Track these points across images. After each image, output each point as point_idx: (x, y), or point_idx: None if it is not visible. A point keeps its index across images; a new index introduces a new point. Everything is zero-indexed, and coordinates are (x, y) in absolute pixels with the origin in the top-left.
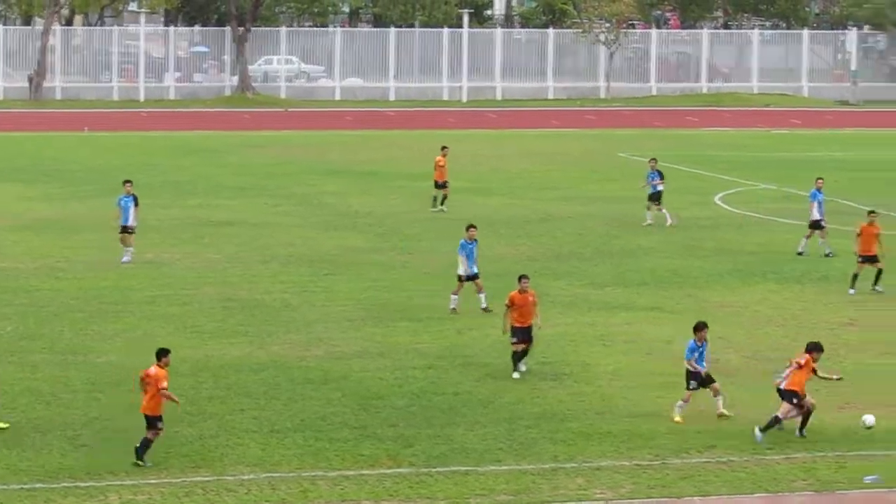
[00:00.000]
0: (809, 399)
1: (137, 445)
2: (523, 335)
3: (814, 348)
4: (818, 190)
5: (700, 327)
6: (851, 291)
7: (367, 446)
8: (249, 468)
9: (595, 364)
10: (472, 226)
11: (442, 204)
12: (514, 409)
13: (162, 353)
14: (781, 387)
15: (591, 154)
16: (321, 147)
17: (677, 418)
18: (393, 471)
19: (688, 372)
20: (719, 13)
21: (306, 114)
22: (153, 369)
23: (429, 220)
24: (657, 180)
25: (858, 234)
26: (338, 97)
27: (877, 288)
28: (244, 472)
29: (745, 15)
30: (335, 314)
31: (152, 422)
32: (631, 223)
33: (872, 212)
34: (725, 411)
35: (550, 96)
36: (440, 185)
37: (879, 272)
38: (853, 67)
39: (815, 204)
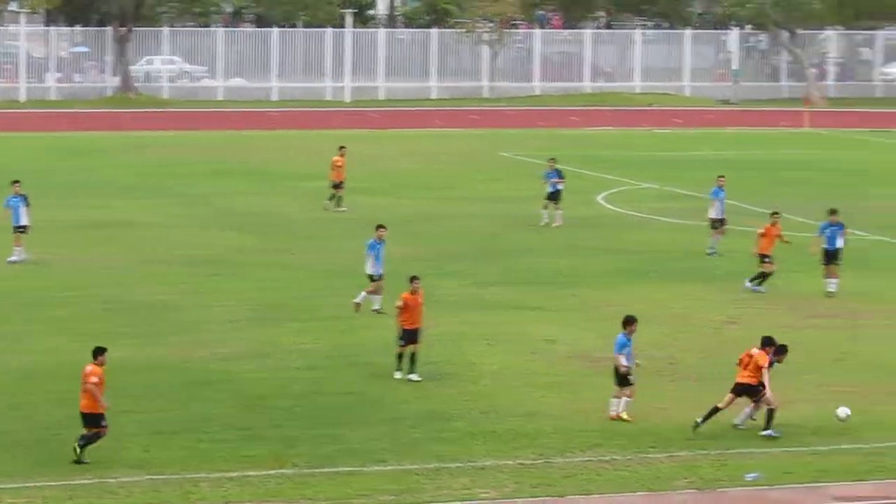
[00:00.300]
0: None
1: (80, 444)
2: (411, 337)
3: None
4: (720, 188)
5: (630, 321)
6: (762, 289)
7: (251, 447)
8: (132, 470)
9: (480, 364)
10: (381, 226)
11: (339, 204)
12: (399, 408)
13: (98, 352)
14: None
15: (475, 154)
16: (206, 148)
17: (625, 416)
18: (277, 472)
19: (616, 367)
20: (602, 13)
21: (190, 114)
22: (89, 367)
23: (316, 220)
24: (556, 179)
25: (762, 235)
26: (221, 97)
27: (754, 286)
28: (126, 474)
29: (628, 15)
30: (220, 315)
31: (94, 420)
32: (515, 222)
33: (776, 213)
34: (624, 415)
35: (434, 96)
36: (337, 185)
37: (764, 274)
38: (735, 67)
39: (717, 202)
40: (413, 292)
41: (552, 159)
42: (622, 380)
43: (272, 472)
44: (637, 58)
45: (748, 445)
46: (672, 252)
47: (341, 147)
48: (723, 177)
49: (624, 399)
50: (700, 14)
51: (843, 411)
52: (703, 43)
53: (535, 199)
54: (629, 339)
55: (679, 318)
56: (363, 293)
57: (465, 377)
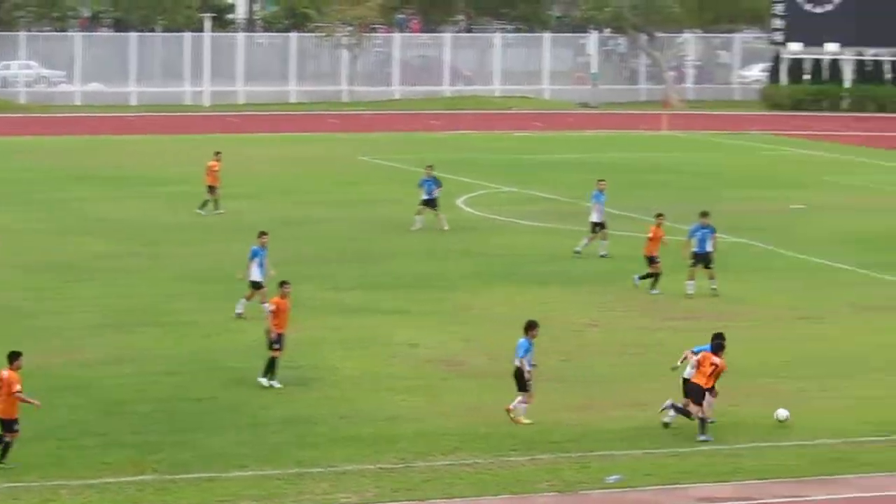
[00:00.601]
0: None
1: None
2: (281, 342)
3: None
4: (600, 192)
5: (532, 325)
6: (656, 291)
7: (111, 453)
8: None
9: (341, 368)
10: (263, 232)
11: (216, 207)
12: (261, 414)
13: (13, 357)
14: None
15: (334, 158)
16: (63, 153)
17: (525, 421)
18: (137, 478)
19: (518, 371)
20: (461, 17)
21: (47, 119)
22: (6, 373)
23: (178, 225)
24: (433, 187)
25: (650, 238)
26: (78, 102)
27: (651, 289)
28: None
29: (487, 18)
30: (78, 321)
31: (8, 425)
32: (375, 226)
33: (660, 214)
34: (522, 419)
35: (293, 100)
36: (212, 189)
37: (656, 276)
38: (594, 70)
39: (597, 206)
40: (283, 296)
41: (429, 166)
42: (523, 384)
43: (132, 478)
44: (496, 61)
45: (609, 448)
46: (532, 255)
47: (217, 152)
48: (603, 181)
49: (522, 405)
50: (559, 18)
51: (782, 413)
52: (562, 46)
53: (394, 202)
54: (531, 344)
55: (541, 321)
56: (243, 300)
57: (327, 382)
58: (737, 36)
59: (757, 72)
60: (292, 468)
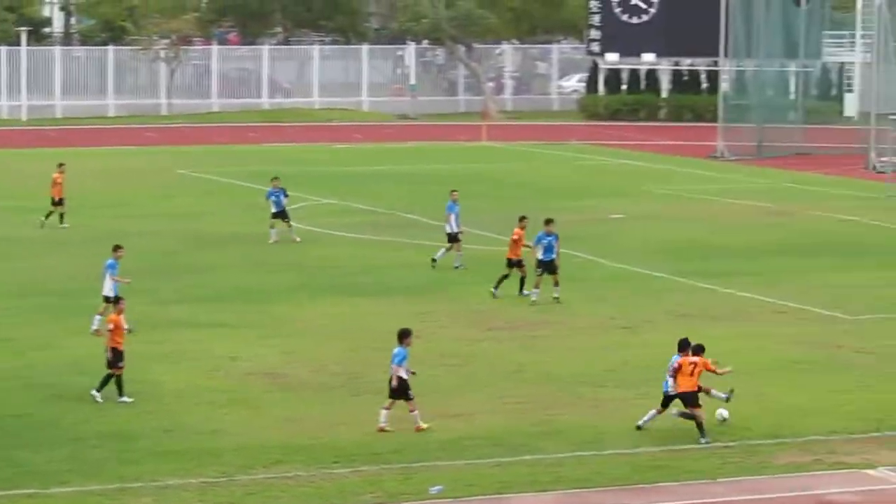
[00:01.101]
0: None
1: None
2: (121, 358)
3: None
4: (454, 202)
5: (406, 334)
6: (532, 294)
7: None
8: None
9: (162, 382)
10: (118, 246)
11: (61, 221)
12: (81, 429)
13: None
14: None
15: (153, 171)
16: None
17: (383, 424)
18: None
19: (399, 380)
20: (279, 29)
21: None
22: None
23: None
24: (282, 197)
25: (514, 240)
26: None
27: (521, 292)
28: None
29: (305, 31)
30: None
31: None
32: (195, 239)
33: (523, 217)
34: (423, 424)
35: (111, 114)
36: (56, 203)
37: (522, 278)
38: (412, 82)
39: (452, 216)
40: (119, 312)
41: (275, 178)
42: (401, 393)
43: None
44: (315, 73)
45: (432, 458)
46: (352, 267)
47: (60, 164)
48: (456, 191)
49: (415, 413)
50: (377, 30)
51: (721, 414)
52: (380, 58)
53: (213, 215)
54: (406, 351)
55: (362, 333)
56: (97, 316)
57: (149, 396)
58: (554, 46)
59: (575, 82)
60: (114, 483)
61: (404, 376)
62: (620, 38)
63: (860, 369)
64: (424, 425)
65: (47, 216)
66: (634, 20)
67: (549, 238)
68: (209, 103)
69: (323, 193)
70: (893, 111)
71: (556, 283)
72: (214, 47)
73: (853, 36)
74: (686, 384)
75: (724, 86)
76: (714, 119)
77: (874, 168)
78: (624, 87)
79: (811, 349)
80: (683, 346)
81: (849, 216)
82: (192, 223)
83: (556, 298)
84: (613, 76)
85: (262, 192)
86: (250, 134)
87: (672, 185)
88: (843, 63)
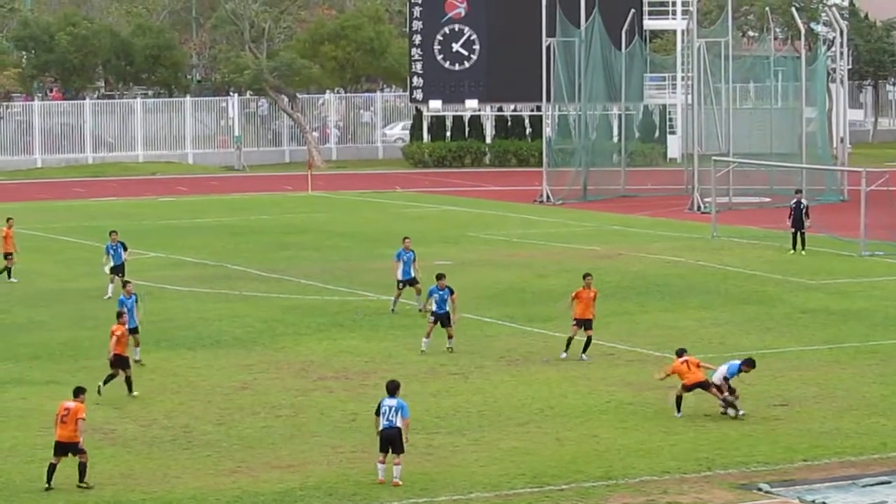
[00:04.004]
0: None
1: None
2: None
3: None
4: (404, 250)
5: (395, 387)
6: (563, 355)
7: None
8: None
9: None
10: (127, 282)
11: (9, 276)
12: None
13: (80, 392)
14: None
15: None
16: None
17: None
18: None
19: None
20: (101, 83)
21: None
22: (72, 403)
23: None
24: (121, 251)
25: (574, 298)
26: None
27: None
28: None
29: (128, 84)
30: None
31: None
32: (20, 297)
33: (588, 275)
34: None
35: None
36: (6, 256)
37: (589, 339)
38: (236, 133)
39: (401, 264)
40: None
41: (113, 232)
42: (401, 445)
43: None
44: (138, 127)
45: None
46: (181, 320)
47: (9, 218)
48: (408, 238)
49: (397, 467)
50: (199, 81)
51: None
52: (204, 110)
53: (38, 273)
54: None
55: (191, 386)
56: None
57: None
58: (378, 95)
59: (399, 130)
60: None
61: (401, 426)
62: (443, 85)
63: (690, 409)
64: (401, 482)
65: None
66: (456, 67)
67: (442, 293)
68: (32, 159)
69: (149, 247)
70: (715, 152)
71: (450, 336)
72: (36, 103)
73: (674, 78)
74: (695, 378)
75: (548, 130)
76: (539, 164)
77: (699, 209)
78: (448, 133)
79: (641, 390)
80: (680, 353)
81: (675, 257)
82: (19, 281)
83: (450, 348)
84: (437, 123)
85: (89, 248)
86: (75, 189)
87: (498, 231)
88: (664, 105)
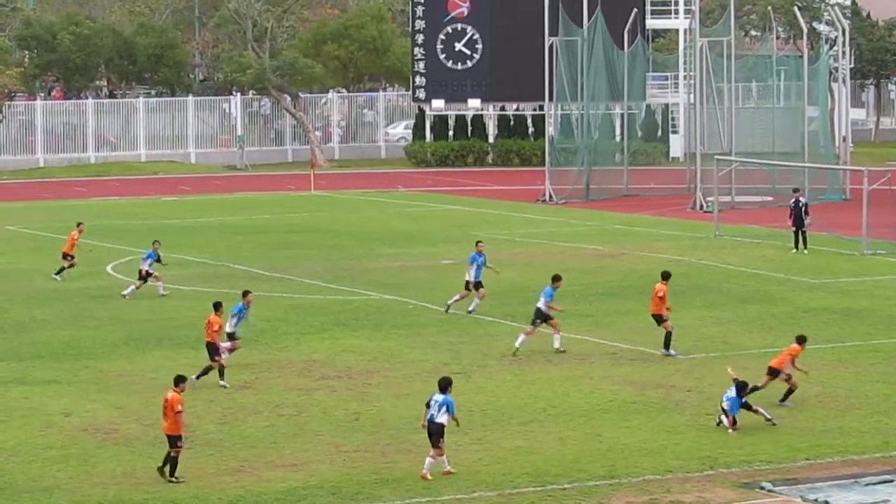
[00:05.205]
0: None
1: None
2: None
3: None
4: (478, 253)
5: (448, 382)
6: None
7: None
8: None
9: None
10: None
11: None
12: None
13: (180, 380)
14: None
15: None
16: None
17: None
18: None
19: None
20: (103, 83)
21: None
22: (171, 394)
23: None
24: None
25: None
26: None
27: (669, 352)
28: None
29: (130, 84)
30: None
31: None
32: (23, 296)
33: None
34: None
35: None
36: (65, 257)
37: (668, 334)
38: (239, 133)
39: (473, 266)
40: None
41: (156, 241)
42: (438, 438)
43: None
44: (141, 126)
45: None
46: (183, 319)
47: (79, 223)
48: (481, 242)
49: (432, 459)
50: (202, 81)
51: None
52: (206, 109)
53: (40, 272)
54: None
55: (194, 385)
56: None
57: None
58: (380, 94)
59: (402, 129)
60: None
61: (444, 422)
62: (446, 84)
63: (692, 408)
64: (430, 476)
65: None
66: (459, 66)
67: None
68: (35, 159)
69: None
70: (717, 151)
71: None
72: (38, 102)
73: (676, 77)
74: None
75: (551, 130)
76: (541, 163)
77: (701, 208)
78: (451, 133)
79: (644, 389)
80: (800, 340)
81: (677, 256)
82: (19, 280)
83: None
84: (440, 122)
85: (93, 247)
86: (78, 188)
87: (501, 230)
88: (667, 104)
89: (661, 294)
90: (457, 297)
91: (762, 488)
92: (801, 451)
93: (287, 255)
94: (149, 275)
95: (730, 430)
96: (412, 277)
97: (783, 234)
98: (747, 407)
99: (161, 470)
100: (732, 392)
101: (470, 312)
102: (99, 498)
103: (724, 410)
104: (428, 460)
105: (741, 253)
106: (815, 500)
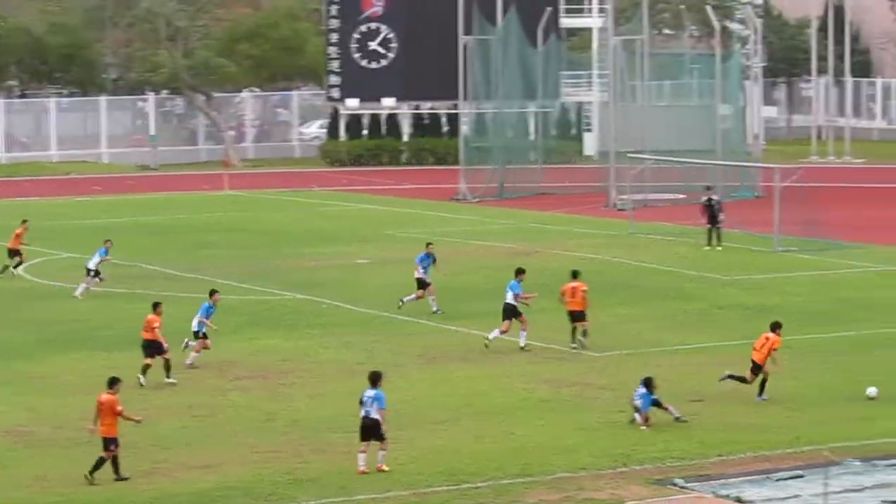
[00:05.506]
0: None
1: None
2: None
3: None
4: (427, 255)
5: (378, 376)
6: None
7: None
8: None
9: None
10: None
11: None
12: None
13: (114, 382)
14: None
15: None
16: None
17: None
18: None
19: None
20: (14, 82)
21: None
22: (105, 396)
23: None
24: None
25: (563, 294)
26: None
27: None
28: None
29: (42, 83)
30: None
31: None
32: None
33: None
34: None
35: None
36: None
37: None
38: (152, 132)
39: (421, 265)
40: None
41: (108, 240)
42: (375, 432)
43: None
44: (52, 126)
45: None
46: (95, 320)
47: (24, 220)
48: (431, 243)
49: (382, 453)
50: (115, 80)
51: (872, 391)
52: (119, 109)
53: None
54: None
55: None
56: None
57: None
58: (294, 93)
59: (316, 128)
60: None
61: (378, 417)
62: (360, 83)
63: (607, 406)
64: (387, 467)
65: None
66: (374, 65)
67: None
68: None
69: (63, 247)
70: (631, 149)
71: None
72: None
73: (590, 76)
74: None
75: (465, 128)
76: (456, 162)
77: (615, 206)
78: (365, 132)
79: (559, 387)
80: (774, 327)
81: (592, 254)
82: None
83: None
84: (354, 121)
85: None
86: None
87: (416, 229)
88: (581, 103)
89: (584, 289)
90: (413, 296)
91: (675, 485)
92: (714, 447)
93: (201, 255)
94: (97, 273)
95: (642, 427)
96: (327, 277)
97: (696, 232)
98: (657, 404)
99: (89, 476)
100: (643, 389)
101: (435, 313)
102: (10, 501)
103: (636, 408)
104: (361, 457)
105: (655, 250)
106: (728, 495)
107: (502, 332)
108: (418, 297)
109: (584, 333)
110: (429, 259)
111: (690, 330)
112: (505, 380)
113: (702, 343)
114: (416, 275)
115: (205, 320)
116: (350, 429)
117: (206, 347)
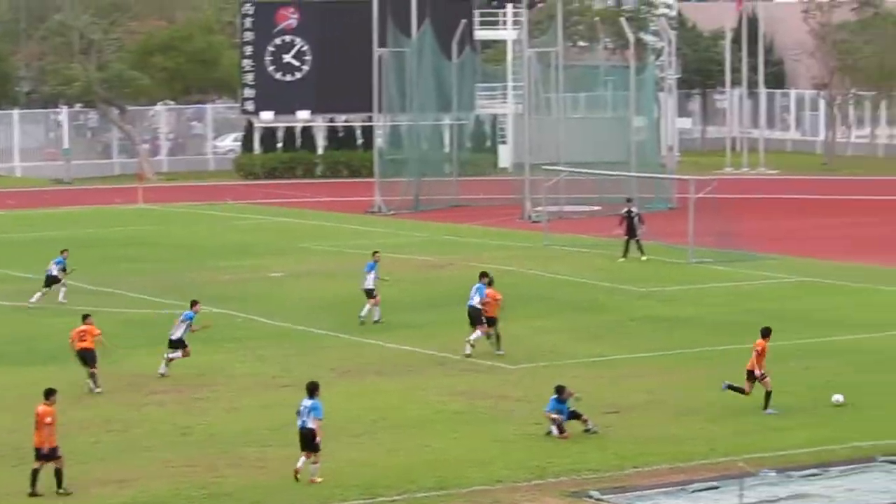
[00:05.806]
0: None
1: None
2: None
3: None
4: (375, 262)
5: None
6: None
7: None
8: None
9: None
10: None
11: None
12: None
13: (50, 393)
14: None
15: None
16: None
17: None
18: None
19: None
20: None
21: None
22: (42, 407)
23: None
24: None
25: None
26: None
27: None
28: None
29: None
30: None
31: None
32: None
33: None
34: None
35: None
36: None
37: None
38: (65, 145)
39: (371, 274)
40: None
41: (65, 250)
42: (314, 444)
43: None
44: None
45: None
46: (6, 335)
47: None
48: (377, 252)
49: (314, 465)
50: (28, 93)
51: (837, 397)
52: (32, 122)
53: None
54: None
55: (17, 403)
56: None
57: None
58: (209, 106)
59: (230, 141)
60: None
61: (315, 427)
62: (274, 96)
63: (522, 418)
64: (320, 479)
65: None
66: (288, 78)
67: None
68: None
69: None
70: (546, 161)
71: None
72: None
73: (505, 88)
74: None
75: (380, 141)
76: (371, 174)
77: (530, 218)
78: (280, 145)
79: (474, 399)
80: (764, 334)
81: (506, 266)
82: None
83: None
84: (269, 134)
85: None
86: None
87: (330, 242)
88: (495, 115)
89: (498, 297)
90: (367, 307)
91: (590, 497)
92: (629, 458)
93: (114, 269)
94: (57, 280)
95: (555, 434)
96: (241, 290)
97: (611, 244)
98: (575, 416)
99: (60, 491)
100: (555, 400)
101: (376, 322)
102: None
103: (551, 419)
104: (301, 459)
105: (570, 262)
106: None
107: (483, 332)
108: (375, 305)
109: (489, 336)
110: (374, 267)
111: (606, 342)
112: (420, 392)
113: (617, 355)
114: (366, 285)
115: (192, 325)
116: (266, 443)
117: (186, 355)
